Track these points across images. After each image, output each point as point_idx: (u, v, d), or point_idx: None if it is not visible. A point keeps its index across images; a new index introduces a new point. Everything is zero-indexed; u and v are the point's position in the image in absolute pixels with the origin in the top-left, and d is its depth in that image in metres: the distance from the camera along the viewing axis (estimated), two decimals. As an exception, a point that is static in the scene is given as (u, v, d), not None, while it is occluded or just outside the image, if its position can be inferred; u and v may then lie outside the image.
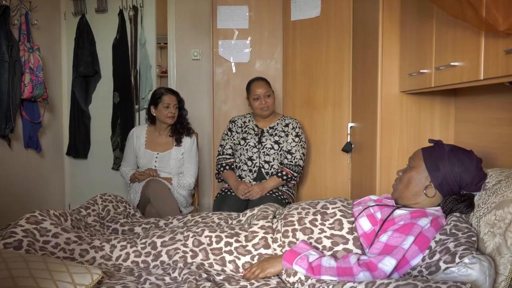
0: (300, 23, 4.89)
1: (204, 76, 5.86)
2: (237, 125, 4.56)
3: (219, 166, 4.50)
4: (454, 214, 2.46)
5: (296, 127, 4.43)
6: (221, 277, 2.48)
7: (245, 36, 5.21)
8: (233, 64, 5.24)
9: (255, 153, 4.36)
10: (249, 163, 4.37)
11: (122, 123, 5.95)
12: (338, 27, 4.62)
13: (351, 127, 4.49)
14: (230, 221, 3.04)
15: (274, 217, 2.89)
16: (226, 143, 4.52)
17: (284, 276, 2.41)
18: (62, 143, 6.16)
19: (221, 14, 5.17)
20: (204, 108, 5.88)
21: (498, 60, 2.21)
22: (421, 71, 3.13)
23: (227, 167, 4.45)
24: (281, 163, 4.35)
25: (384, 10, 3.61)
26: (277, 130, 4.42)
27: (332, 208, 2.71)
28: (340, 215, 2.65)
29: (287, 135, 4.39)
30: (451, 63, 2.66)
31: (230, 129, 4.57)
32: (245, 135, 4.46)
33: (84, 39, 6.00)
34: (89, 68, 5.95)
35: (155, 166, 4.54)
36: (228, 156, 4.48)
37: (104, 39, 6.05)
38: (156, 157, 4.55)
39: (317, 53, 4.78)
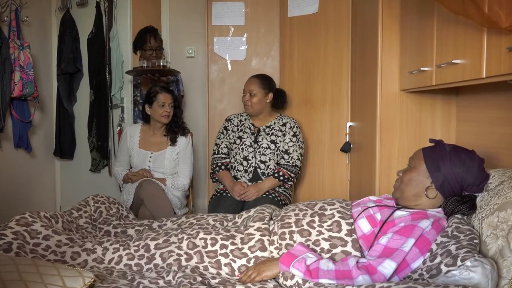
0: (298, 20, 4.89)
1: (199, 74, 5.85)
2: (233, 124, 4.55)
3: (214, 166, 4.49)
4: (456, 216, 2.46)
5: (294, 127, 4.42)
6: (217, 281, 2.48)
7: (241, 33, 5.21)
8: (228, 61, 5.23)
9: (250, 152, 4.36)
10: (245, 163, 4.36)
11: (97, 123, 5.87)
12: (337, 23, 4.62)
13: (349, 126, 4.49)
14: (225, 223, 3.04)
15: (271, 218, 2.88)
16: (222, 142, 4.51)
17: (281, 280, 2.40)
18: (53, 143, 6.13)
19: (216, 11, 5.16)
20: (199, 107, 5.87)
21: (500, 58, 2.21)
22: (421, 69, 3.13)
23: (223, 167, 4.45)
24: (277, 164, 4.34)
25: (384, 6, 3.61)
26: (274, 130, 4.41)
27: (330, 210, 2.71)
28: (339, 217, 2.65)
29: (284, 135, 4.38)
30: (453, 61, 2.66)
31: (226, 128, 4.56)
32: (241, 133, 4.46)
33: (67, 35, 5.92)
34: (70, 65, 5.85)
35: (149, 166, 4.52)
36: (223, 156, 4.47)
37: (85, 35, 5.96)
38: (150, 157, 4.53)
39: (315, 50, 4.79)
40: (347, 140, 4.50)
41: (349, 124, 4.49)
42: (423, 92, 3.61)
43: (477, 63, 2.43)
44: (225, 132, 4.54)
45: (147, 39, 5.13)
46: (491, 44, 2.31)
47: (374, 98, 3.72)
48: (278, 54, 5.16)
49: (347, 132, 4.50)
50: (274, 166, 4.34)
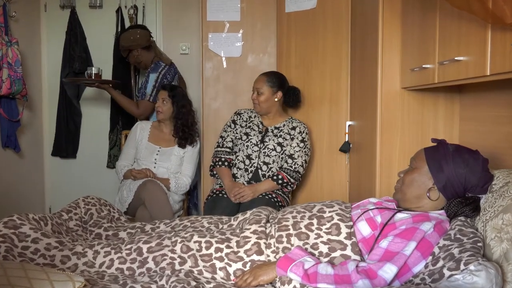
0: (295, 15, 4.88)
1: (193, 72, 5.85)
2: (242, 119, 4.54)
3: (217, 159, 4.45)
4: (459, 218, 2.47)
5: (303, 132, 4.40)
6: (211, 285, 2.47)
7: (237, 29, 5.19)
8: (224, 58, 5.21)
9: (255, 151, 4.34)
10: (247, 161, 4.34)
11: (124, 121, 6.01)
12: (336, 19, 4.62)
13: (349, 125, 4.48)
14: (220, 226, 3.03)
15: (268, 221, 2.88)
16: (228, 135, 4.50)
17: (278, 284, 2.40)
18: (43, 143, 6.15)
19: (211, 6, 5.14)
20: (193, 106, 5.87)
21: (505, 55, 2.21)
22: (423, 66, 3.13)
23: (226, 163, 4.42)
24: (280, 167, 4.34)
25: (385, 1, 3.60)
26: (283, 132, 4.40)
27: (329, 212, 2.71)
28: (338, 219, 2.64)
29: (292, 139, 4.36)
30: (456, 58, 2.65)
31: (234, 121, 4.55)
32: (248, 130, 4.45)
33: (77, 35, 6.06)
34: (84, 64, 5.98)
35: (155, 159, 4.63)
36: (228, 150, 4.45)
37: (97, 35, 6.10)
38: (158, 151, 4.68)
39: (313, 47, 4.78)
40: (347, 139, 4.49)
41: (348, 123, 4.48)
42: (425, 90, 3.60)
43: (481, 60, 2.43)
44: (232, 125, 4.53)
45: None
46: (495, 41, 2.31)
47: (374, 96, 3.71)
48: (275, 51, 5.15)
49: (347, 131, 4.49)
50: (277, 170, 4.32)
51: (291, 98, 4.58)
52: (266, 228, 2.76)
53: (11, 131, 5.18)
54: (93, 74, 5.04)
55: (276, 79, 4.47)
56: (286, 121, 4.47)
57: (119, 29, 6.00)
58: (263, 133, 4.41)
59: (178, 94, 4.72)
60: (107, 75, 5.95)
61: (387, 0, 3.60)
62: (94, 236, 3.09)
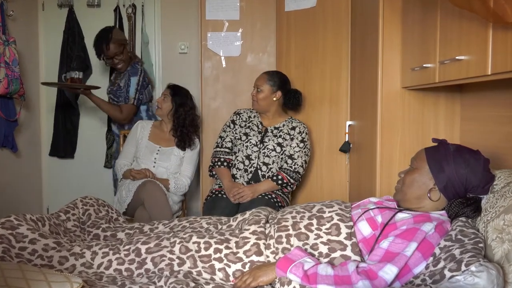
0: (295, 14, 4.88)
1: (192, 71, 5.85)
2: (241, 119, 4.54)
3: (216, 159, 4.45)
4: (460, 219, 2.46)
5: (303, 132, 4.40)
6: (210, 286, 2.47)
7: (236, 28, 5.19)
8: (223, 58, 5.21)
9: (255, 152, 4.34)
10: (247, 162, 4.34)
11: None
12: (336, 18, 4.62)
13: (349, 125, 4.48)
14: (219, 226, 3.03)
15: (267, 221, 2.87)
16: (227, 135, 4.50)
17: (277, 285, 2.39)
18: (40, 143, 6.14)
19: (210, 4, 5.13)
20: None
21: (507, 54, 2.21)
22: (424, 65, 3.13)
23: (225, 163, 4.42)
24: (280, 168, 4.33)
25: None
26: (282, 132, 4.39)
27: (329, 212, 2.70)
28: (338, 219, 2.64)
29: (292, 139, 4.35)
30: (457, 57, 2.65)
31: (233, 121, 4.55)
32: (247, 130, 4.44)
33: (75, 34, 6.06)
34: (82, 63, 5.97)
35: (155, 159, 4.63)
36: (227, 150, 4.45)
37: (95, 35, 6.02)
38: (158, 150, 4.67)
39: (313, 46, 4.78)
40: (347, 139, 4.49)
41: (348, 123, 4.48)
42: (425, 89, 3.60)
43: (482, 60, 2.42)
44: (231, 125, 4.53)
45: (102, 48, 5.09)
46: (496, 40, 2.30)
47: (374, 96, 3.71)
48: (275, 50, 5.15)
49: (347, 131, 4.49)
50: (277, 170, 4.32)
51: (291, 101, 4.54)
52: (265, 229, 2.75)
53: (9, 131, 5.17)
54: (77, 79, 4.97)
55: (278, 79, 4.47)
56: (285, 121, 4.47)
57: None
58: (263, 133, 4.40)
59: (181, 93, 4.73)
60: (105, 74, 5.97)
61: (388, -1, 3.60)
62: (92, 237, 3.09)
